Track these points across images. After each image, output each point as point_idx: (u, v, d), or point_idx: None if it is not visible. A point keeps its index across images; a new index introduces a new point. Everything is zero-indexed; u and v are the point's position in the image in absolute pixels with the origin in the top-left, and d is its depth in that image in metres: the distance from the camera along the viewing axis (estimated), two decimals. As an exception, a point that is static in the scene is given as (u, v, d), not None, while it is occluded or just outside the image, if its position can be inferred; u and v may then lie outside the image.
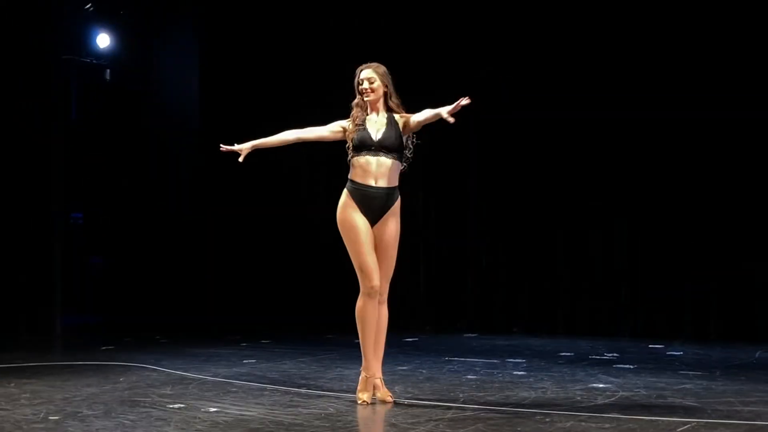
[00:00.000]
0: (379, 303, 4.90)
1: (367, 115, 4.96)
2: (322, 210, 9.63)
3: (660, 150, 8.33)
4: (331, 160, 9.01)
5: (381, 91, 4.94)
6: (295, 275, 9.99)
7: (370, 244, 4.84)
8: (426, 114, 4.84)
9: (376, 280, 4.81)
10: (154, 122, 10.90)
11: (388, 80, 4.97)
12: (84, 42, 10.27)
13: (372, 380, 4.89)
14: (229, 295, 10.20)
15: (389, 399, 4.89)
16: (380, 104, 4.97)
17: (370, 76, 4.94)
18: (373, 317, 4.85)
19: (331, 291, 9.56)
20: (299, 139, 5.06)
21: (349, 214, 4.87)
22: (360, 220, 4.85)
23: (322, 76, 9.54)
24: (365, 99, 4.94)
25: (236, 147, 5.07)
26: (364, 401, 4.83)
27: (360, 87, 4.96)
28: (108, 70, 10.59)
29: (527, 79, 8.84)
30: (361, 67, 5.00)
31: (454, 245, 9.38)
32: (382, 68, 4.98)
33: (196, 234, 10.47)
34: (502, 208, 9.11)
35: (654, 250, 8.37)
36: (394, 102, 4.97)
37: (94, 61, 10.45)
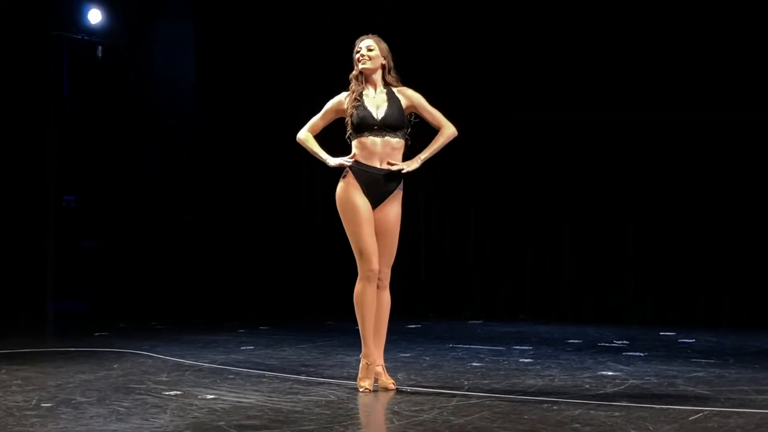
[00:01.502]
0: (381, 288, 4.89)
1: (364, 89, 4.91)
2: (322, 209, 9.84)
3: (663, 148, 8.42)
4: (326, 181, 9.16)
5: (378, 62, 4.90)
6: (294, 275, 10.09)
7: (371, 226, 4.82)
8: (435, 121, 4.93)
9: (375, 263, 4.79)
10: (148, 105, 10.90)
11: (388, 55, 4.94)
12: (75, 18, 10.24)
13: (373, 367, 4.89)
14: (228, 295, 10.29)
15: (392, 386, 4.89)
16: (377, 78, 4.93)
17: (369, 44, 4.92)
18: (372, 302, 4.84)
19: (329, 291, 9.63)
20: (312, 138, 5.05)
21: (351, 194, 4.83)
22: (361, 201, 4.82)
23: (319, 69, 9.60)
24: (360, 66, 4.89)
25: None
26: (365, 389, 4.84)
27: (358, 54, 4.92)
28: (100, 48, 10.57)
29: (527, 79, 8.91)
30: (361, 37, 4.96)
31: (458, 235, 9.44)
32: (384, 43, 4.96)
33: (195, 232, 10.55)
34: (506, 204, 9.17)
35: (663, 245, 8.42)
36: (392, 76, 4.93)
37: (86, 38, 10.43)
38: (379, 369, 4.92)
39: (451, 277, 9.44)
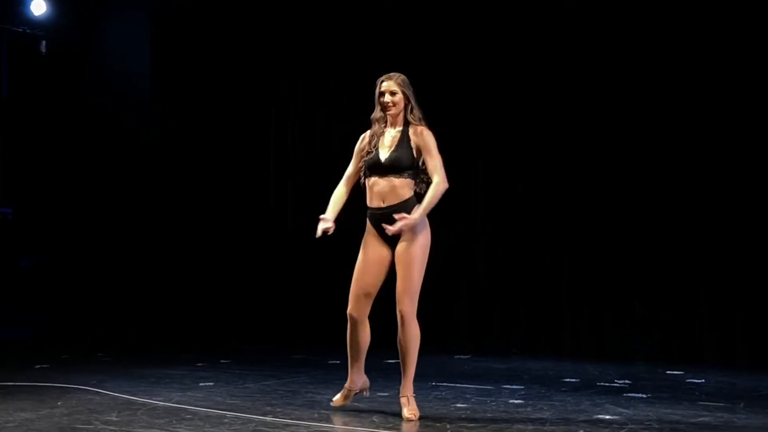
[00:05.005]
0: (402, 323, 5.53)
1: (385, 128, 5.48)
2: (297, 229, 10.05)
3: (673, 158, 8.68)
4: (301, 186, 9.74)
5: (402, 104, 5.46)
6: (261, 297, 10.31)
7: (369, 268, 5.49)
8: (431, 169, 5.40)
9: (352, 307, 5.48)
10: (99, 103, 11.01)
11: (410, 91, 5.47)
12: (16, 9, 10.35)
13: (349, 391, 5.71)
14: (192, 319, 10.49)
15: (411, 417, 5.41)
16: (400, 117, 5.48)
17: (392, 88, 5.45)
18: (354, 339, 5.59)
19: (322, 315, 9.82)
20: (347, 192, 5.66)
21: (364, 240, 5.54)
22: (368, 247, 5.52)
23: (286, 55, 9.81)
24: (387, 113, 5.45)
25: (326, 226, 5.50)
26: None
27: (381, 99, 5.45)
28: (44, 42, 10.68)
29: (525, 81, 9.20)
30: (381, 79, 5.50)
31: (446, 253, 9.61)
32: (402, 78, 5.48)
33: (152, 243, 10.70)
34: (499, 215, 9.36)
35: (672, 264, 8.63)
36: (414, 115, 5.46)
37: (28, 31, 10.54)
38: (404, 400, 5.53)
39: (437, 306, 9.58)
